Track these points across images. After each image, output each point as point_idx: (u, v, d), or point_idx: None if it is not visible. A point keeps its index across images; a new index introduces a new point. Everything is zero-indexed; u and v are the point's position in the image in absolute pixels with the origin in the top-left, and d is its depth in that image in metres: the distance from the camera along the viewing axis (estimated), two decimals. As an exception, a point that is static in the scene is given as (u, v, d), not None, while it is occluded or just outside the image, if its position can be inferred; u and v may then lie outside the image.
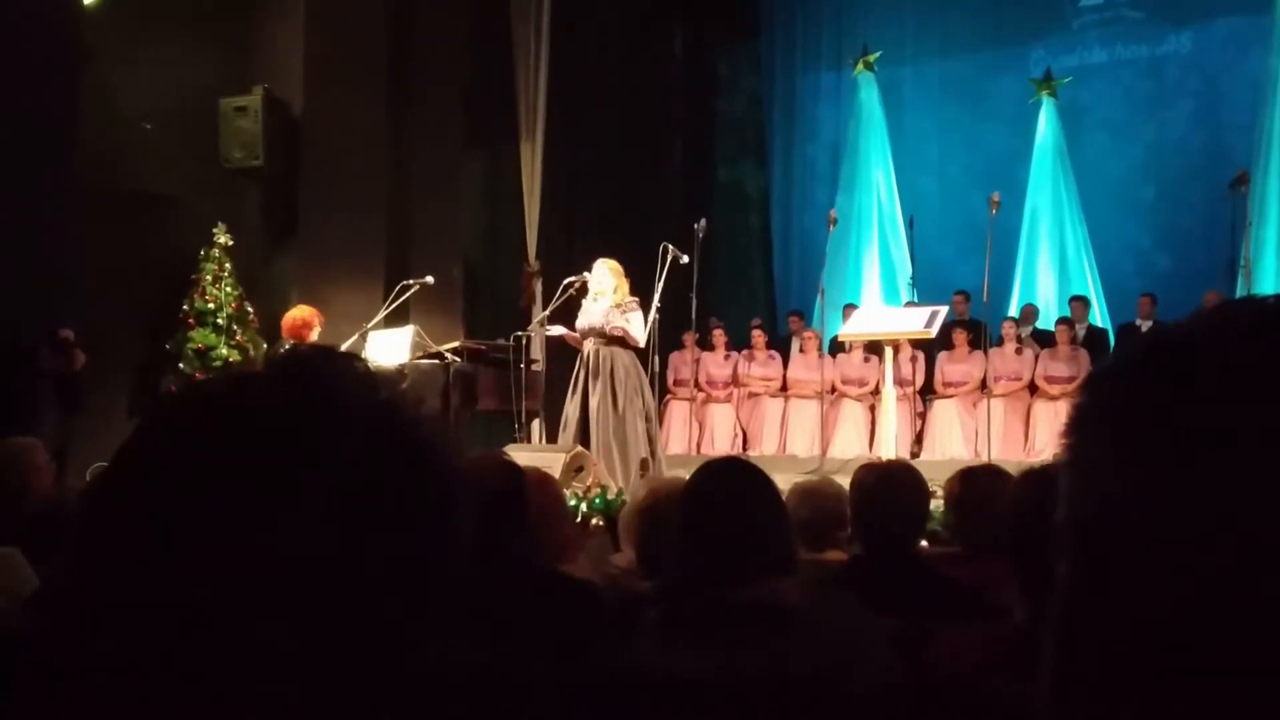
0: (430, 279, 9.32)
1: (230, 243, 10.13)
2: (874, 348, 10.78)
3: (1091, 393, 0.63)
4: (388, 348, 8.85)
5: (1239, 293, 10.88)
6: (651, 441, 8.50)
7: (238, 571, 0.65)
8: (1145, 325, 11.16)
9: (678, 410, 11.91)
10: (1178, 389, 0.58)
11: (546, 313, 9.35)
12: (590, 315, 8.36)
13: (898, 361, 10.18)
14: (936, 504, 4.73)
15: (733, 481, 2.30)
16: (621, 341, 8.32)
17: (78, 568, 0.70)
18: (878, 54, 14.30)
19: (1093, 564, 0.59)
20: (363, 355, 8.74)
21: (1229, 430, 0.56)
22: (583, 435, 8.29)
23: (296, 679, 0.65)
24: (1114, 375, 0.62)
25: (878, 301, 13.34)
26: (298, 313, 8.50)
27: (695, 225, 9.48)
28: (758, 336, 12.24)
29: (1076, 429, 0.62)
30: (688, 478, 2.43)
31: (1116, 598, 0.57)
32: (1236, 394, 0.57)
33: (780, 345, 12.58)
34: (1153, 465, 0.57)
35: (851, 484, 3.54)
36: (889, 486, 3.40)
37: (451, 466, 0.73)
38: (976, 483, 3.59)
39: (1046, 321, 12.19)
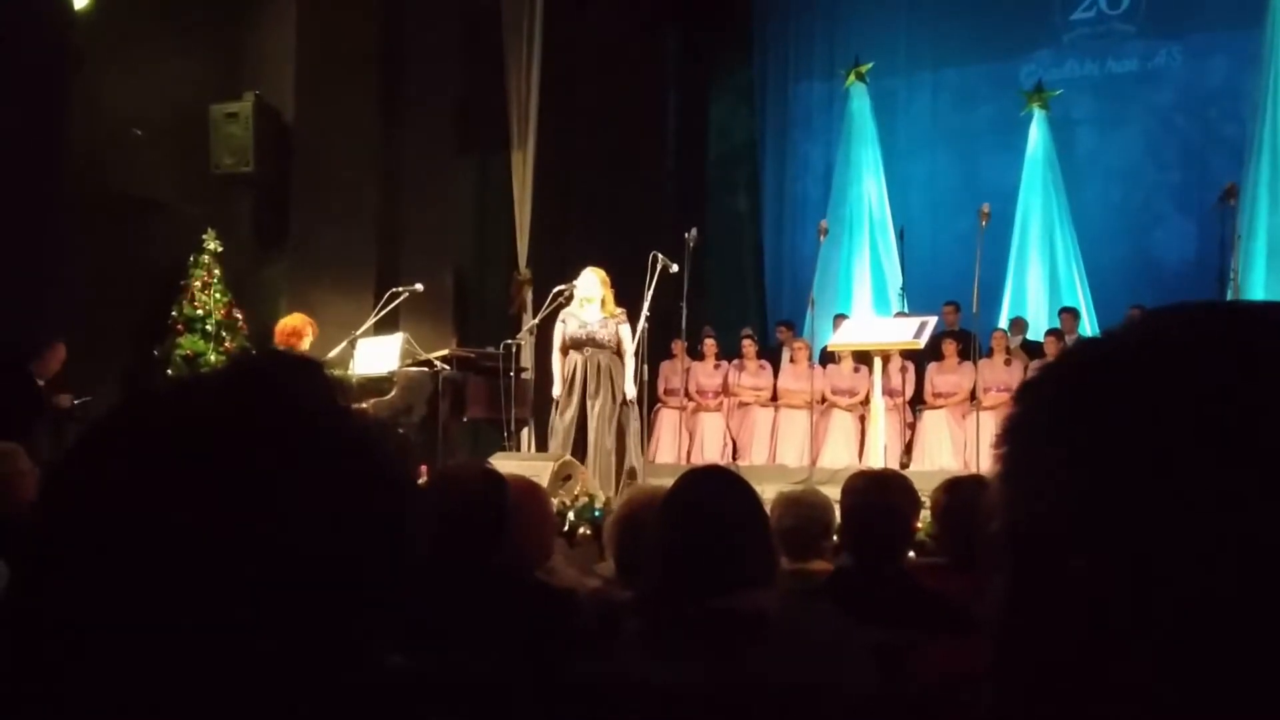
0: (420, 286, 9.31)
1: (220, 249, 10.11)
2: (864, 358, 10.78)
3: (1022, 403, 0.63)
4: (376, 355, 8.82)
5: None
6: (639, 451, 8.52)
7: (177, 577, 0.65)
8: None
9: (668, 419, 11.89)
10: (1105, 397, 0.58)
11: (536, 320, 9.34)
12: (587, 325, 8.33)
13: (887, 372, 10.19)
14: (924, 515, 4.72)
15: (712, 490, 2.28)
16: (616, 351, 8.34)
17: (28, 574, 0.69)
18: (870, 65, 14.33)
19: (1028, 573, 0.59)
20: (349, 362, 8.74)
21: (1157, 437, 0.56)
22: (574, 444, 8.28)
23: (237, 687, 0.65)
24: (1043, 385, 0.62)
25: (868, 312, 13.35)
26: (290, 321, 8.48)
27: (686, 234, 9.47)
28: (748, 346, 12.23)
29: (1008, 439, 0.62)
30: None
31: (1051, 606, 0.57)
32: (1163, 401, 0.56)
33: (770, 355, 12.58)
34: (1084, 474, 0.57)
35: (843, 492, 3.52)
36: (881, 495, 3.39)
37: (403, 474, 0.73)
38: (962, 493, 3.58)
39: (1036, 333, 12.23)
